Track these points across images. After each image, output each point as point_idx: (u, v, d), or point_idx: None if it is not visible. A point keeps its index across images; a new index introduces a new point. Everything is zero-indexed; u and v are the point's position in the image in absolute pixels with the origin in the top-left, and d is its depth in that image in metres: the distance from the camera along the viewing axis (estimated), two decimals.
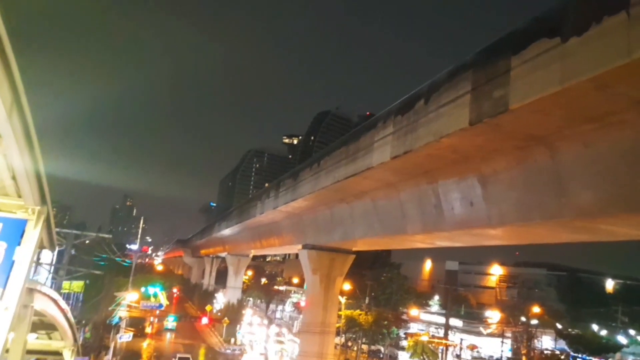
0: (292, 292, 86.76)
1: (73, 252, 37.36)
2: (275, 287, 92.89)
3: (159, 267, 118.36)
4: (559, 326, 56.64)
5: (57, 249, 32.28)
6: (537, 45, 7.83)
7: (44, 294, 15.75)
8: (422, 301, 72.66)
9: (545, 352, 47.63)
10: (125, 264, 48.34)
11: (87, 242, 43.53)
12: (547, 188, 9.81)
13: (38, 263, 33.77)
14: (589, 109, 7.85)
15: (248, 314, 66.33)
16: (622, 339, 56.05)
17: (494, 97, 8.80)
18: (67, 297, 39.08)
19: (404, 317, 57.04)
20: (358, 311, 50.51)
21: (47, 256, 34.92)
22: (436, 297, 78.59)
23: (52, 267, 33.67)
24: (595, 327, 59.53)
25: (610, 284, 79.31)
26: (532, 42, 7.96)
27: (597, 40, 6.79)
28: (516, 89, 8.25)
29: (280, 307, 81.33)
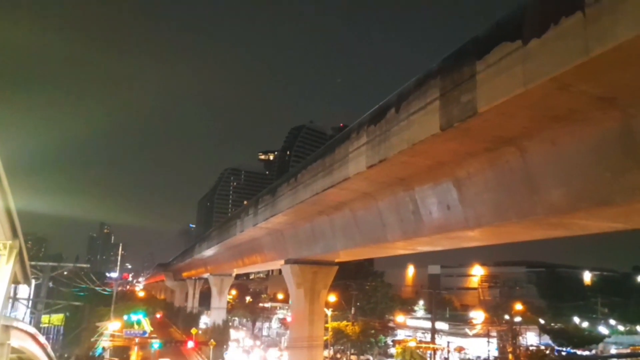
0: (278, 308, 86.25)
1: (51, 284, 36.69)
2: (261, 304, 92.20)
3: (141, 294, 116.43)
4: (542, 322, 57.39)
5: (33, 282, 31.74)
6: (500, 49, 8.04)
7: (22, 330, 15.43)
8: (407, 307, 72.98)
9: (531, 348, 48.11)
10: (105, 292, 47.56)
11: (64, 273, 42.77)
12: (519, 187, 10.03)
13: (15, 299, 33.04)
14: (553, 108, 8.07)
15: (240, 336, 65.44)
16: (603, 330, 56.99)
17: (462, 101, 8.99)
18: (46, 331, 38.26)
19: (391, 324, 57.18)
20: (345, 322, 50.46)
21: (25, 291, 34.22)
22: (421, 302, 78.97)
23: (30, 302, 32.96)
24: (576, 320, 60.47)
25: (587, 277, 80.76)
26: (494, 47, 8.17)
27: (556, 41, 7.00)
28: (483, 93, 8.44)
29: (266, 325, 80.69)
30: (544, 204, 9.53)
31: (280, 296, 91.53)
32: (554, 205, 9.34)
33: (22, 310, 33.21)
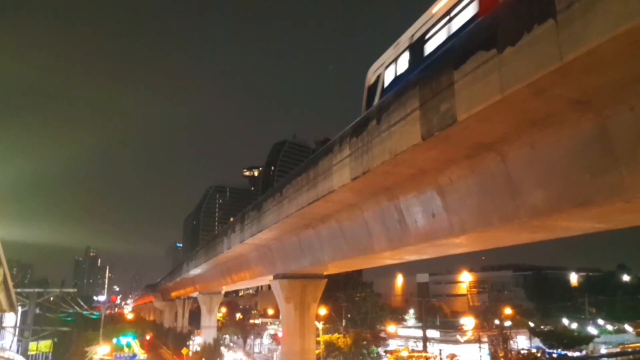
0: (269, 323, 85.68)
1: (37, 311, 36.11)
2: (251, 320, 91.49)
3: (130, 316, 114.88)
4: (532, 324, 57.64)
5: (19, 309, 31.22)
6: (476, 58, 8.20)
7: (8, 359, 15.16)
8: (398, 316, 72.92)
9: (522, 351, 48.24)
10: (93, 316, 46.94)
11: (51, 299, 42.19)
12: (501, 192, 10.15)
13: (1, 327, 32.48)
14: (530, 112, 8.23)
15: (238, 357, 64.56)
16: (592, 330, 57.34)
17: (441, 110, 9.12)
18: (35, 358, 37.61)
19: (382, 334, 57.03)
20: (336, 335, 50.27)
21: (11, 319, 33.65)
22: (411, 311, 78.91)
23: (17, 330, 32.39)
24: (565, 321, 60.79)
25: (573, 277, 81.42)
26: (470, 56, 8.33)
27: (530, 48, 7.16)
28: (461, 101, 8.58)
29: (258, 341, 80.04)
30: (527, 207, 9.66)
31: (270, 311, 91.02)
32: (536, 208, 9.47)
33: (9, 339, 32.61)
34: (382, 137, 11.30)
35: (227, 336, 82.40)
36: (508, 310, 55.33)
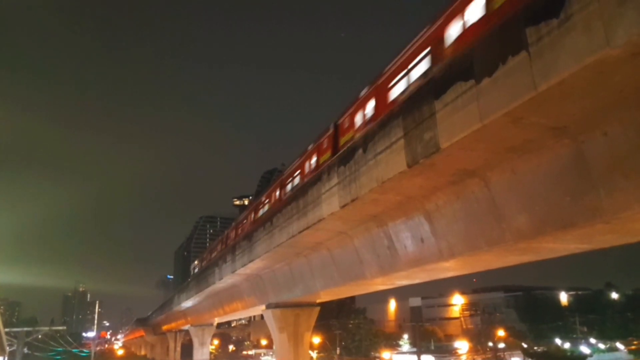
0: (262, 354, 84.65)
1: (26, 350, 35.51)
2: (244, 352, 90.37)
3: (120, 352, 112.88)
4: (525, 345, 57.52)
5: (7, 350, 30.71)
6: (455, 89, 8.58)
7: None
8: (392, 342, 72.34)
9: None
10: (83, 354, 46.22)
11: (39, 336, 41.55)
12: (487, 216, 10.42)
13: None
14: (509, 139, 8.56)
15: None
16: (585, 349, 57.28)
17: (425, 139, 9.44)
18: None
19: None
20: None
21: None
22: (405, 336, 78.37)
23: None
24: (558, 341, 60.70)
25: (563, 297, 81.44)
26: (450, 86, 8.70)
27: (506, 79, 7.53)
28: (444, 130, 8.92)
29: None
30: (511, 230, 9.92)
31: (264, 342, 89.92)
32: (520, 231, 9.73)
33: None
34: (369, 166, 11.59)
35: None
36: (501, 332, 55.24)
